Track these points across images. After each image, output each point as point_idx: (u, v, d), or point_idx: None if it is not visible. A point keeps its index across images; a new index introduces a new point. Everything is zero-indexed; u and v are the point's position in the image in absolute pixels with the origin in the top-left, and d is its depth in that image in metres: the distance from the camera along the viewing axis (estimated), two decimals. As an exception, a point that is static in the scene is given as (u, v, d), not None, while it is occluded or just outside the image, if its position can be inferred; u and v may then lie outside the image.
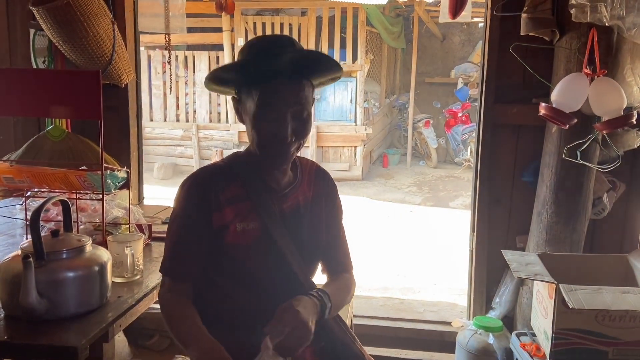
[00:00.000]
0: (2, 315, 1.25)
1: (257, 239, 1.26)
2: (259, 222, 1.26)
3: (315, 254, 1.38)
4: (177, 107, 8.15)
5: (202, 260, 1.27)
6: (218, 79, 1.26)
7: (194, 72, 8.08)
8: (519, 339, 2.13)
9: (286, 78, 1.20)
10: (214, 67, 7.96)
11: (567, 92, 2.05)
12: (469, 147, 8.25)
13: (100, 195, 1.52)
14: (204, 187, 1.25)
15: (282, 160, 1.26)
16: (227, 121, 7.95)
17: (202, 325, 1.21)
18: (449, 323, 2.66)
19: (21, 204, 1.97)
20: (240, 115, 1.29)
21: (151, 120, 8.08)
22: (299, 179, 1.36)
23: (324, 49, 7.64)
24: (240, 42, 7.67)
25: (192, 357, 1.15)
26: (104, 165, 1.48)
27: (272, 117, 1.21)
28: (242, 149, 1.37)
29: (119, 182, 1.57)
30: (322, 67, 1.25)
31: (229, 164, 1.32)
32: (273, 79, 1.19)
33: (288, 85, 1.21)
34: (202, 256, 1.26)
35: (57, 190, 1.55)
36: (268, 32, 7.73)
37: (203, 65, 8.04)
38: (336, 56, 7.68)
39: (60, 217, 1.65)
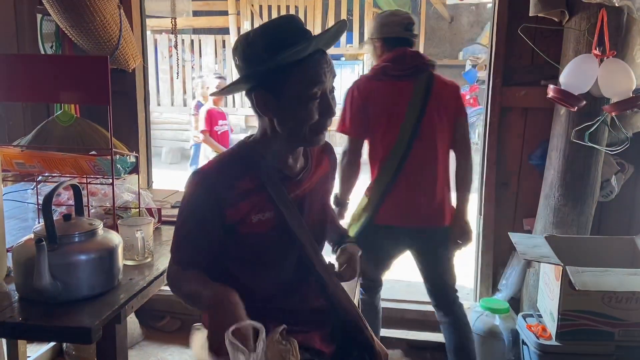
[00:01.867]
0: (17, 297, 1.28)
1: (272, 227, 1.25)
2: (274, 212, 1.25)
3: (324, 231, 1.40)
4: (184, 91, 8.15)
5: (211, 252, 1.26)
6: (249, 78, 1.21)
7: (200, 56, 8.06)
8: (525, 320, 2.14)
9: (323, 52, 1.21)
10: (220, 50, 7.95)
11: (576, 73, 2.03)
12: (477, 130, 8.20)
13: (110, 180, 1.53)
14: (215, 185, 1.21)
15: (324, 136, 1.27)
16: (234, 106, 7.94)
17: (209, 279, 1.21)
18: (456, 305, 2.67)
19: (32, 189, 1.99)
20: (269, 108, 1.22)
21: (158, 104, 8.10)
22: (310, 163, 1.36)
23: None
24: (247, 25, 7.64)
25: (206, 301, 1.13)
26: (114, 150, 1.49)
27: (322, 93, 1.21)
28: (249, 132, 1.36)
29: (128, 167, 1.59)
30: (339, 35, 1.27)
31: (240, 154, 1.29)
32: (317, 52, 1.19)
33: (326, 58, 1.22)
34: (210, 248, 1.25)
35: (68, 175, 1.57)
36: (274, 15, 7.68)
37: (209, 49, 8.02)
38: (342, 39, 7.63)
39: (71, 201, 1.67)
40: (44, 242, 1.16)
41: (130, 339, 2.66)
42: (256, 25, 7.62)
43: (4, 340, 2.09)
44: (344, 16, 7.56)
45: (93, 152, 1.60)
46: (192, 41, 8.04)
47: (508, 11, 2.31)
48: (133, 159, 1.63)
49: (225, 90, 1.38)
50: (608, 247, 2.15)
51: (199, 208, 1.23)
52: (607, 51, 2.00)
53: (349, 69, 7.63)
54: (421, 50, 8.72)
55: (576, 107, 2.04)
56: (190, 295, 1.20)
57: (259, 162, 1.27)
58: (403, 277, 3.70)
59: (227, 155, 1.30)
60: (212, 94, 1.30)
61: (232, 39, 7.81)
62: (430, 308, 2.76)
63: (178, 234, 1.27)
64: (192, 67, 8.10)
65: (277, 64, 1.16)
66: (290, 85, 1.18)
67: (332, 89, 1.24)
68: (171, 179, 5.38)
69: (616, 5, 1.95)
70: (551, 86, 2.07)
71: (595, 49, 2.03)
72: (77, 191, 1.36)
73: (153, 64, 7.86)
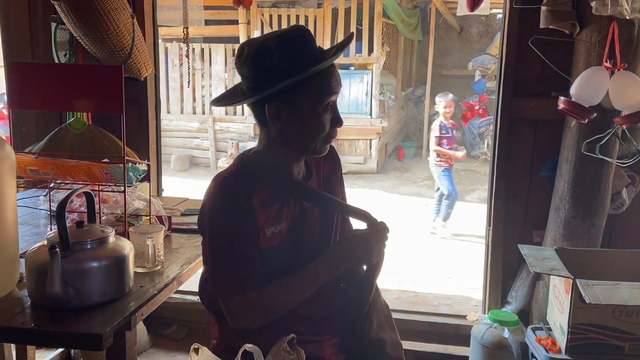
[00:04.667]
0: (29, 303, 1.29)
1: (284, 238, 1.26)
2: (286, 223, 1.26)
3: (332, 233, 1.39)
4: (194, 99, 8.22)
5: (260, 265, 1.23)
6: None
7: (210, 64, 8.13)
8: (534, 333, 2.13)
9: (332, 62, 1.22)
10: (230, 59, 8.01)
11: (587, 86, 2.03)
12: (486, 141, 8.19)
13: (122, 187, 1.55)
14: (239, 194, 1.20)
15: (329, 145, 1.30)
16: (242, 114, 7.99)
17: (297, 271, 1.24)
18: (464, 316, 2.66)
19: (45, 195, 2.01)
20: (281, 119, 1.22)
21: (168, 112, 8.16)
22: (311, 171, 1.36)
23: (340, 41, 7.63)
24: (257, 34, 7.69)
25: (335, 261, 1.24)
26: (126, 158, 1.50)
27: (333, 103, 1.23)
28: (257, 141, 1.35)
29: (140, 175, 1.61)
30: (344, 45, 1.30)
31: (246, 167, 1.27)
32: (329, 66, 1.21)
33: (335, 68, 1.24)
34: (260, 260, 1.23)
35: (80, 182, 1.59)
36: (284, 24, 7.73)
37: (219, 57, 8.08)
38: (352, 48, 7.66)
39: (83, 208, 1.69)
40: (57, 249, 1.18)
41: (138, 346, 2.67)
42: (266, 34, 7.70)
43: (12, 346, 2.11)
44: (353, 26, 7.60)
45: (105, 160, 1.62)
46: (202, 50, 8.11)
47: (518, 23, 2.32)
48: (145, 167, 1.64)
49: (230, 101, 1.33)
50: (619, 260, 2.13)
51: (235, 219, 1.20)
52: (618, 64, 2.00)
53: (358, 78, 7.65)
54: (431, 61, 8.76)
55: (587, 119, 2.03)
56: (298, 292, 1.22)
57: (271, 174, 1.26)
58: (410, 288, 3.70)
59: (235, 169, 1.27)
60: (213, 104, 1.27)
61: (242, 47, 7.86)
62: (438, 319, 2.76)
63: (226, 258, 1.21)
64: (202, 76, 8.16)
65: (301, 78, 1.16)
66: (307, 97, 1.19)
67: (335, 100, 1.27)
68: (180, 185, 5.42)
69: (627, 18, 1.95)
70: (562, 98, 2.07)
71: (606, 61, 2.03)
72: (89, 198, 1.38)
73: (164, 71, 7.93)
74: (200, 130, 8.12)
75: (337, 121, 1.25)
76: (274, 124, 1.23)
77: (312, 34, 1.25)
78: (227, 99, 1.33)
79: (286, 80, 1.15)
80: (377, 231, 1.27)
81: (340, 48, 1.25)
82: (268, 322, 1.21)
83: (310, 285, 1.23)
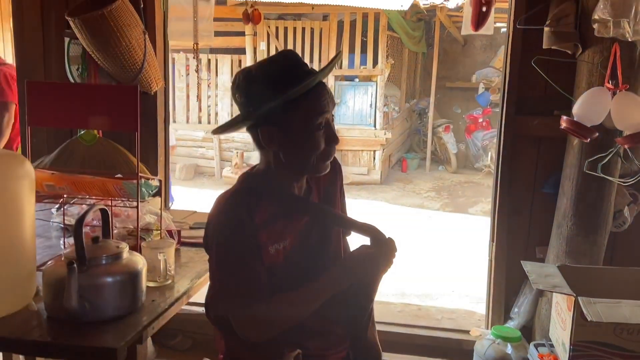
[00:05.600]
0: (45, 316, 1.33)
1: (288, 254, 1.29)
2: (290, 239, 1.29)
3: (336, 247, 1.42)
4: (200, 109, 8.29)
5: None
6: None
7: (216, 75, 8.21)
8: (537, 349, 2.15)
9: (322, 82, 1.25)
10: (236, 70, 8.09)
11: (589, 105, 2.07)
12: (489, 153, 8.21)
13: (134, 202, 1.59)
14: (242, 212, 1.24)
15: (329, 164, 1.30)
16: (247, 124, 8.03)
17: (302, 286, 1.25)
18: (466, 331, 2.69)
19: (57, 209, 2.06)
20: (275, 142, 1.25)
21: (174, 121, 8.22)
22: (310, 185, 1.39)
23: (345, 53, 7.70)
24: (263, 46, 7.77)
25: (341, 277, 1.25)
26: (140, 175, 1.55)
27: (329, 120, 1.25)
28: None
29: (152, 190, 1.65)
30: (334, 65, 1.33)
31: (249, 185, 1.30)
32: (318, 84, 1.23)
33: (327, 88, 1.27)
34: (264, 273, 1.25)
35: (94, 197, 1.63)
36: (290, 36, 7.82)
37: (226, 68, 8.16)
38: (356, 60, 7.74)
39: (95, 222, 1.73)
40: (75, 265, 1.21)
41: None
42: (272, 46, 7.78)
43: (21, 357, 2.13)
44: (358, 39, 7.68)
45: (119, 175, 1.67)
46: (209, 60, 8.19)
47: (522, 42, 2.36)
48: (157, 183, 1.69)
49: (229, 128, 1.37)
50: (621, 278, 2.15)
51: (238, 235, 1.22)
52: (620, 84, 2.04)
53: (363, 89, 7.72)
54: (435, 73, 8.82)
55: (589, 139, 2.07)
56: (305, 306, 1.24)
57: (271, 192, 1.29)
58: (413, 301, 3.72)
59: (238, 189, 1.31)
60: (213, 132, 1.33)
61: (248, 58, 7.94)
62: (441, 334, 2.78)
63: (232, 273, 1.23)
64: (208, 86, 8.24)
65: (284, 101, 1.19)
66: (296, 118, 1.22)
67: (332, 117, 1.29)
68: (185, 195, 5.46)
69: (629, 40, 1.99)
70: (564, 117, 2.10)
71: (608, 82, 2.07)
72: (105, 215, 1.42)
73: (171, 81, 7.99)
74: (206, 140, 8.18)
75: (332, 139, 1.26)
76: (269, 147, 1.27)
77: (299, 57, 1.28)
78: (226, 126, 1.36)
79: (271, 103, 1.19)
80: (385, 249, 1.28)
81: (324, 68, 1.28)
82: (276, 333, 1.24)
83: (317, 300, 1.26)
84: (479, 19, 2.37)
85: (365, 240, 1.34)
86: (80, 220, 1.27)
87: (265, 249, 1.26)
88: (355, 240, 1.44)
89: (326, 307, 1.30)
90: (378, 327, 2.67)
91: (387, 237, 1.31)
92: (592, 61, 2.15)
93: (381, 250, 1.28)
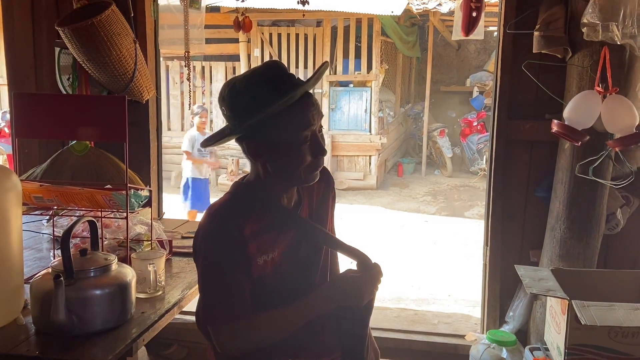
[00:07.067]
0: (33, 330, 1.31)
1: (276, 265, 1.28)
2: (278, 251, 1.28)
3: (324, 261, 1.40)
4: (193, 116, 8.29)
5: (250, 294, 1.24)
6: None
7: (210, 82, 8.21)
8: (532, 353, 2.14)
9: (309, 94, 1.24)
10: (230, 77, 8.10)
11: (580, 109, 2.07)
12: (485, 156, 8.23)
13: (124, 214, 1.58)
14: (231, 224, 1.22)
15: (318, 174, 1.29)
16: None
17: (284, 305, 1.24)
18: (462, 336, 2.68)
19: (47, 220, 2.04)
20: (261, 154, 1.25)
21: (169, 129, 8.22)
22: (301, 196, 1.37)
23: (339, 59, 7.72)
24: (257, 53, 7.77)
25: (323, 302, 1.24)
26: (129, 185, 1.54)
27: (315, 132, 1.23)
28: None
29: (142, 201, 1.64)
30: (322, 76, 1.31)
31: (240, 195, 1.30)
32: (304, 96, 1.22)
33: (313, 100, 1.24)
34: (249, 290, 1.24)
35: (84, 208, 1.62)
36: (284, 42, 7.83)
37: (220, 75, 8.16)
38: (351, 66, 7.75)
39: (85, 233, 1.72)
40: (62, 278, 1.20)
41: (139, 367, 2.67)
42: (266, 52, 7.79)
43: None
44: (352, 44, 7.69)
45: (108, 186, 1.66)
46: (203, 67, 8.20)
47: (512, 47, 2.36)
48: (147, 193, 1.68)
49: (217, 141, 1.35)
50: (614, 280, 2.15)
51: (225, 249, 1.21)
52: (609, 88, 2.04)
53: (357, 95, 7.73)
54: (429, 77, 8.85)
55: (580, 142, 2.07)
56: (286, 326, 1.23)
57: (265, 203, 1.29)
58: (409, 306, 3.71)
59: (229, 198, 1.30)
60: (202, 145, 1.32)
61: (242, 65, 7.95)
62: (437, 339, 2.77)
63: (217, 288, 1.22)
64: (203, 93, 8.24)
65: (267, 114, 1.18)
66: (280, 131, 1.21)
67: (321, 128, 1.27)
68: (180, 204, 5.45)
69: (618, 43, 2.00)
70: (555, 121, 2.11)
71: (598, 85, 2.07)
72: (93, 226, 1.41)
73: (164, 89, 8.01)
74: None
75: (319, 151, 1.25)
76: (255, 160, 1.27)
77: (284, 68, 1.25)
78: (214, 139, 1.35)
79: (254, 117, 1.18)
80: (370, 275, 1.27)
81: (309, 79, 1.26)
82: (254, 350, 1.22)
83: (300, 320, 1.24)
84: (470, 24, 2.38)
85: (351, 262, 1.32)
86: (67, 233, 1.26)
87: (254, 260, 1.25)
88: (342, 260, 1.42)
89: (318, 318, 1.29)
90: (374, 334, 2.67)
91: (373, 262, 1.29)
92: (582, 65, 2.16)
93: (366, 275, 1.27)
